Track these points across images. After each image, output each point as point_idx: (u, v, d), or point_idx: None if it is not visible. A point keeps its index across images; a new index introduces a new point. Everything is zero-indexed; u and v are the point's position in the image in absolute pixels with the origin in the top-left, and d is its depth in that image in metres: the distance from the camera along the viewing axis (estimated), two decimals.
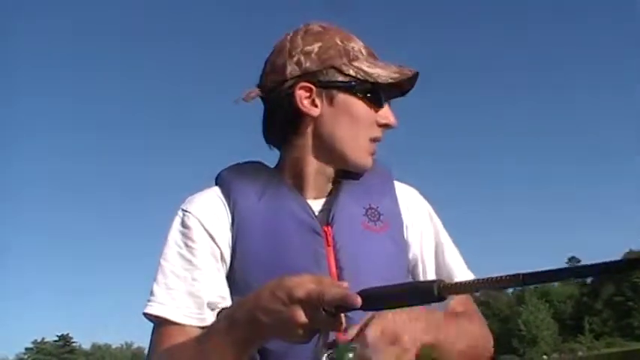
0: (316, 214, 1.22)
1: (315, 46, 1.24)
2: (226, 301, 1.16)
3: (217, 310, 1.15)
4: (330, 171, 1.26)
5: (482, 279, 0.81)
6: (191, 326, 1.12)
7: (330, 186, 1.27)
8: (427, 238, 1.32)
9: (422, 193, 1.39)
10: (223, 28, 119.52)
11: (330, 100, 1.23)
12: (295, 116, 1.25)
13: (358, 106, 1.23)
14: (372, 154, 1.27)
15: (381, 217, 1.25)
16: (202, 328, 1.11)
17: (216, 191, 1.24)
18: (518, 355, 65.97)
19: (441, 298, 0.83)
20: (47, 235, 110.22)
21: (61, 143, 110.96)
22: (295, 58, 1.24)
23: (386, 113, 1.25)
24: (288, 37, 1.27)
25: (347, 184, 1.27)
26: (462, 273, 1.30)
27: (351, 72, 1.22)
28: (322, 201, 1.25)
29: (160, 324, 1.15)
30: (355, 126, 1.24)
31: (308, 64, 1.23)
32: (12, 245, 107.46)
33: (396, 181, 1.35)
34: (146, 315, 1.16)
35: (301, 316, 0.87)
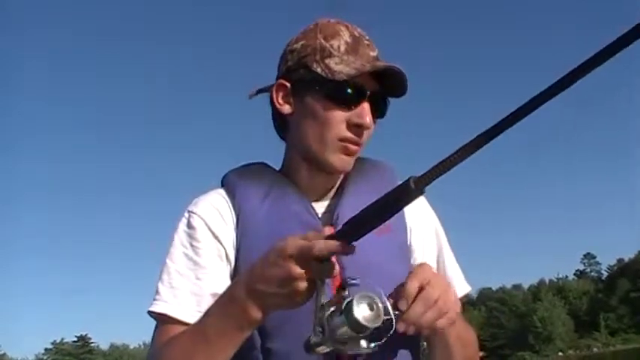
0: (320, 215, 1.24)
1: (299, 44, 1.24)
2: None
3: None
4: (316, 171, 1.26)
5: (449, 156, 0.80)
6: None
7: (334, 187, 1.29)
8: (429, 245, 1.34)
9: (427, 197, 1.38)
10: (229, 28, 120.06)
11: (301, 99, 1.23)
12: (277, 114, 1.29)
13: (323, 105, 1.20)
14: (348, 154, 1.22)
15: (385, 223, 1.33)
16: None
17: (221, 193, 1.27)
18: (534, 352, 65.95)
19: (421, 191, 0.84)
20: (64, 236, 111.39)
21: (62, 144, 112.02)
22: (285, 57, 1.27)
23: (360, 112, 1.19)
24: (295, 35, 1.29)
25: (352, 186, 1.28)
26: (459, 284, 1.33)
27: (319, 70, 1.19)
28: (327, 202, 1.28)
29: (162, 321, 1.18)
30: (320, 126, 1.21)
31: (290, 63, 1.25)
32: (29, 246, 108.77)
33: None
34: (150, 313, 1.19)
35: (296, 269, 0.89)
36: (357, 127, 1.20)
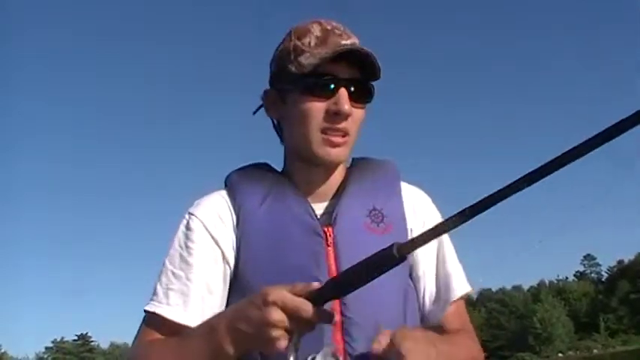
0: (319, 215, 1.25)
1: (278, 51, 1.29)
2: (217, 301, 1.22)
3: (206, 309, 1.20)
4: (311, 169, 1.28)
5: (432, 228, 0.85)
6: (179, 324, 1.17)
7: (334, 187, 1.30)
8: (430, 245, 1.29)
9: (430, 193, 1.39)
10: (229, 28, 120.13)
11: (285, 102, 1.27)
12: (274, 121, 1.36)
13: (300, 101, 1.22)
14: (334, 145, 1.23)
15: (385, 219, 1.26)
16: (190, 327, 1.16)
17: (222, 194, 1.30)
18: (534, 353, 65.93)
19: (402, 259, 0.88)
20: (64, 236, 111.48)
21: (62, 144, 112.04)
22: (270, 66, 1.33)
23: (336, 100, 1.20)
24: None
25: (352, 186, 1.29)
26: (459, 283, 1.32)
27: (293, 69, 1.22)
28: (326, 203, 1.29)
29: (150, 319, 1.21)
30: (301, 122, 1.23)
31: (273, 71, 1.31)
32: (29, 246, 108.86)
33: (403, 183, 1.35)
34: (146, 313, 1.22)
35: (274, 316, 0.92)
36: (336, 116, 1.20)
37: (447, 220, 0.82)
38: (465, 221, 0.81)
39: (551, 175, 0.75)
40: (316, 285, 0.95)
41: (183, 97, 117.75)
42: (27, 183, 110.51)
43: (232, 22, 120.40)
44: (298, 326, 0.94)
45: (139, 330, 1.22)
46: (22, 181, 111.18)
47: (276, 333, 0.93)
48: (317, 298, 0.93)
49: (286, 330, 0.94)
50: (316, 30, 1.24)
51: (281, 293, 0.93)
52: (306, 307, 0.92)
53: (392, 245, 0.87)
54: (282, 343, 0.94)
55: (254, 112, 1.36)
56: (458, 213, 0.80)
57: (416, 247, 0.87)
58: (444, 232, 0.85)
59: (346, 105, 1.19)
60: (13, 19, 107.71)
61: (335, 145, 1.23)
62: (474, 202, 0.79)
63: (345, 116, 1.20)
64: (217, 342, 1.00)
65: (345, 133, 1.22)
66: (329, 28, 1.24)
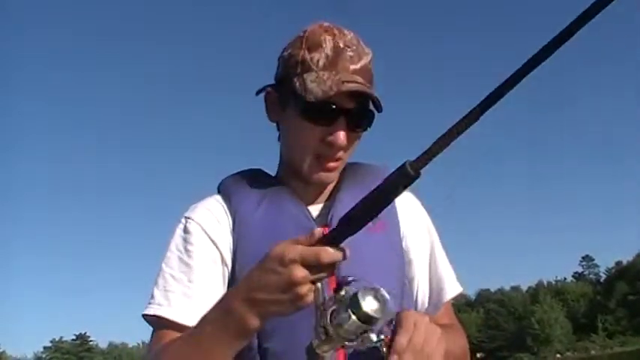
0: (315, 216, 1.26)
1: (286, 53, 1.26)
2: None
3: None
4: (305, 183, 1.28)
5: (443, 136, 0.78)
6: (185, 326, 1.14)
7: (329, 191, 1.32)
8: (422, 244, 1.36)
9: (421, 197, 1.41)
10: (229, 28, 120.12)
11: (284, 111, 1.26)
12: (271, 119, 1.33)
13: (299, 120, 1.21)
14: (327, 169, 1.25)
15: (379, 218, 1.22)
16: None
17: (217, 198, 1.30)
18: (532, 354, 65.96)
19: (417, 175, 0.82)
20: (63, 236, 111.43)
21: (62, 144, 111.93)
22: (277, 63, 1.30)
23: (333, 131, 1.20)
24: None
25: (346, 188, 1.30)
26: (451, 284, 1.36)
27: (297, 85, 1.20)
28: (321, 205, 1.30)
29: (157, 324, 1.19)
30: (296, 140, 1.24)
31: (278, 72, 1.29)
32: (29, 245, 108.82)
33: None
34: (145, 317, 1.20)
35: (298, 274, 0.88)
36: (332, 145, 1.21)
37: (456, 124, 0.77)
38: (474, 121, 0.76)
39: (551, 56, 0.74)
40: (318, 232, 0.91)
41: (183, 97, 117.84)
42: (27, 183, 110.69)
43: (232, 22, 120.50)
44: (320, 272, 0.90)
45: (151, 338, 1.20)
46: (22, 181, 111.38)
47: (303, 290, 0.90)
48: (332, 239, 0.89)
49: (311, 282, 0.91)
50: (328, 46, 1.20)
51: (296, 248, 0.90)
52: (325, 253, 0.88)
53: (404, 164, 0.81)
54: (311, 296, 0.91)
55: (256, 93, 1.33)
56: (466, 115, 0.76)
57: (430, 159, 0.79)
58: (456, 136, 0.78)
59: (342, 137, 1.20)
60: (13, 19, 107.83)
61: (328, 170, 1.25)
62: (479, 101, 0.76)
63: (340, 148, 1.22)
64: (239, 320, 0.95)
65: (338, 159, 1.24)
66: (341, 45, 1.21)
